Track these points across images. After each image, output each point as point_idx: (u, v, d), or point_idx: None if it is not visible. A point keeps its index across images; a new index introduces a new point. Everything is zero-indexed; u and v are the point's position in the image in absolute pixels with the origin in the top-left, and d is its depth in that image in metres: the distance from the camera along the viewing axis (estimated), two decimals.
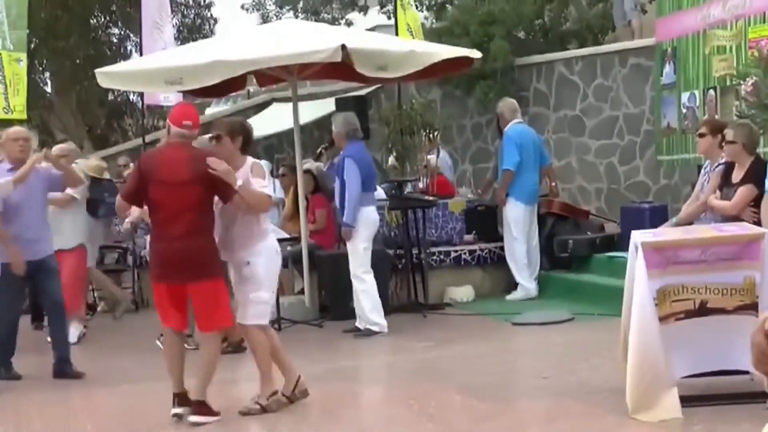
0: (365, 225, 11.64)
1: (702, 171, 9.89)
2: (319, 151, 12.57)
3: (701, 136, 9.62)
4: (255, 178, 8.03)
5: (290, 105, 13.61)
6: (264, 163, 16.30)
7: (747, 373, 7.20)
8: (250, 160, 8.22)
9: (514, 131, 13.49)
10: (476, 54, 13.19)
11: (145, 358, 10.75)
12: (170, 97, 16.60)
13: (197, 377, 8.00)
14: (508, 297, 13.37)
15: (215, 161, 7.82)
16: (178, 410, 8.01)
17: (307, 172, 13.46)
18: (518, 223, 13.35)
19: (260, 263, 8.09)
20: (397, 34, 15.68)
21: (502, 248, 13.75)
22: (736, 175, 8.82)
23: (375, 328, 11.55)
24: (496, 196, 13.60)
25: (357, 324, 11.68)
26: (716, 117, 11.76)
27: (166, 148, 8.14)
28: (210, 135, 8.38)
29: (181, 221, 7.79)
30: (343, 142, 11.86)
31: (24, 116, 18.77)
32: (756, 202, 8.68)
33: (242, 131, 8.24)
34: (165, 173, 7.82)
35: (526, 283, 13.38)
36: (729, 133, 8.87)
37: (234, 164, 7.96)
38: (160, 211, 7.90)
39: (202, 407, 7.96)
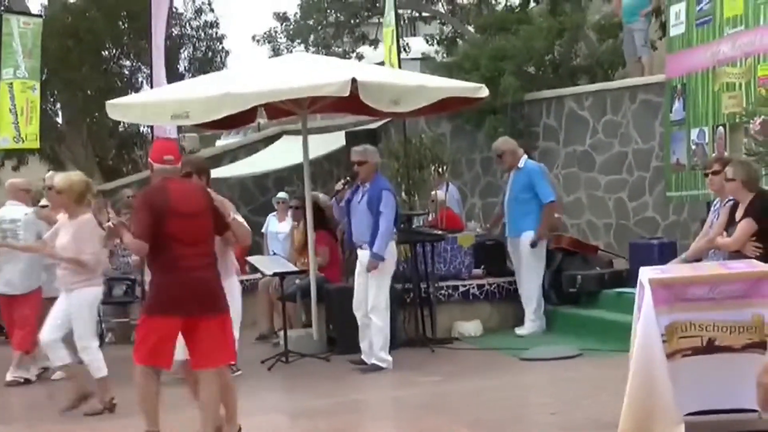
0: (393, 259, 11.84)
1: (711, 208, 9.90)
2: (343, 185, 12.44)
3: (715, 173, 9.63)
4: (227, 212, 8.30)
5: (300, 138, 13.64)
6: (282, 195, 16.50)
7: (755, 411, 7.18)
8: (218, 196, 8.47)
9: (537, 165, 13.70)
10: (484, 93, 13.19)
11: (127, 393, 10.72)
12: (172, 129, 16.66)
13: (204, 419, 7.79)
14: (520, 332, 13.30)
15: (213, 194, 8.01)
16: None
17: (315, 204, 13.50)
18: (541, 258, 13.38)
19: (235, 301, 8.43)
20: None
21: (510, 283, 13.73)
22: (739, 212, 8.86)
23: (383, 365, 11.54)
24: (540, 232, 13.25)
25: (363, 358, 11.65)
26: (725, 154, 11.77)
27: (167, 183, 7.89)
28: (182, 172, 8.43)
29: (198, 252, 7.73)
30: (373, 174, 11.87)
31: (36, 145, 18.86)
32: (759, 237, 8.70)
33: (207, 170, 8.73)
34: (181, 205, 7.73)
35: (539, 318, 13.37)
36: (729, 171, 8.94)
37: None
38: (177, 243, 7.69)
39: None
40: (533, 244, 13.21)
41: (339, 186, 12.57)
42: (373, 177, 11.84)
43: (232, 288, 8.41)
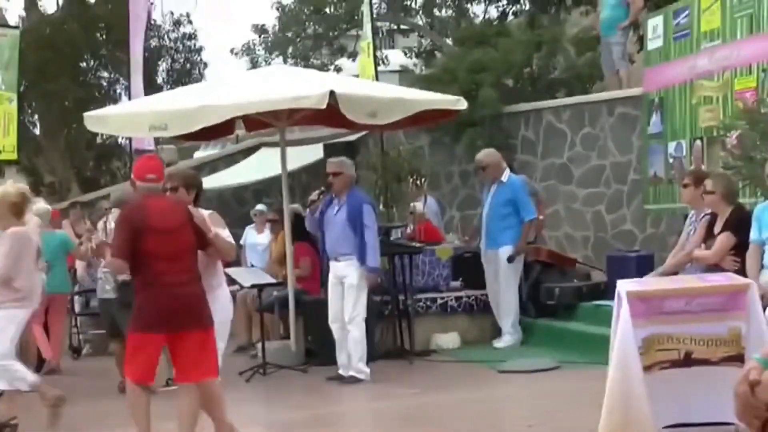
0: None
1: (687, 221, 9.93)
2: (318, 196, 12.48)
3: (685, 186, 9.71)
4: (216, 227, 8.30)
5: (278, 150, 13.64)
6: (260, 207, 16.49)
7: (732, 424, 7.19)
8: (204, 211, 8.47)
9: (520, 179, 13.73)
10: (462, 105, 13.22)
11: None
12: (150, 141, 16.66)
13: (179, 429, 7.85)
14: (498, 344, 13.28)
15: (193, 209, 8.04)
16: None
17: (297, 215, 13.50)
18: (518, 271, 13.39)
19: (222, 313, 8.36)
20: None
21: (488, 296, 13.71)
22: (718, 225, 8.89)
23: (361, 376, 11.53)
24: (518, 247, 13.27)
25: (341, 372, 11.64)
26: (703, 167, 11.81)
27: (147, 200, 7.90)
28: (167, 186, 8.45)
29: (179, 268, 7.75)
30: (348, 187, 11.86)
31: (14, 156, 18.77)
32: (737, 251, 8.73)
33: (196, 184, 8.66)
34: (159, 222, 7.74)
35: (516, 331, 13.35)
36: (708, 184, 8.96)
37: None
38: (156, 259, 7.71)
39: None
40: (510, 259, 13.22)
41: (314, 196, 12.60)
42: (349, 190, 11.84)
43: (222, 298, 8.44)
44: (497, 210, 13.34)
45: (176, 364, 7.90)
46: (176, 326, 7.70)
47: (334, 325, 11.74)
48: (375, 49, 16.57)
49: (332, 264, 11.85)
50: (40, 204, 14.38)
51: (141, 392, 7.82)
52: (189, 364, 7.80)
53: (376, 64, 16.42)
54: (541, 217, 14.75)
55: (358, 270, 11.56)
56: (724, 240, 8.75)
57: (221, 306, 8.35)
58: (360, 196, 11.90)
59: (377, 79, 16.06)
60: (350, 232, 11.61)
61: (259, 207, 16.69)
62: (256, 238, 16.04)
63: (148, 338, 7.73)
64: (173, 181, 8.53)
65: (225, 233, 8.40)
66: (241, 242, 16.59)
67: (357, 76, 17.54)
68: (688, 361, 7.18)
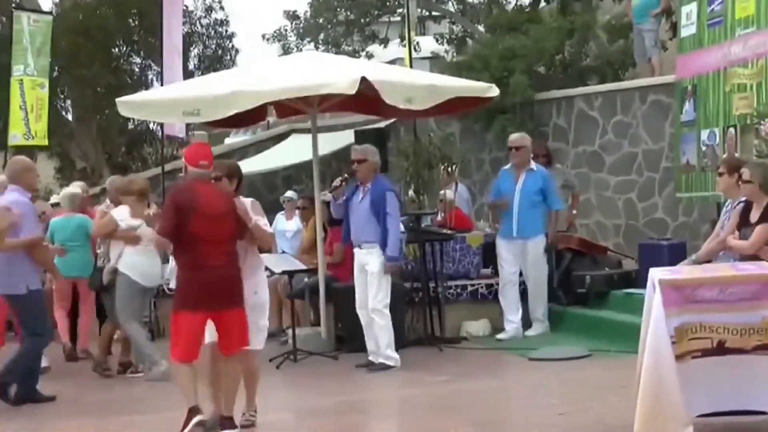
0: None
1: (723, 209, 9.86)
2: (340, 182, 12.49)
3: (720, 174, 9.62)
4: (257, 216, 8.63)
5: (309, 136, 13.64)
6: (290, 194, 16.51)
7: (765, 413, 7.16)
8: (246, 200, 8.78)
9: (547, 171, 13.55)
10: (494, 92, 13.17)
11: (156, 388, 10.76)
12: (181, 128, 16.73)
13: (226, 393, 8.44)
14: (529, 333, 13.16)
15: (237, 199, 8.48)
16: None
17: (327, 203, 13.48)
18: (547, 260, 13.31)
19: (264, 292, 8.76)
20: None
21: (500, 283, 13.53)
22: (754, 215, 8.80)
23: (391, 363, 11.52)
24: (553, 236, 13.31)
25: (370, 358, 11.64)
26: (736, 155, 11.73)
27: (196, 185, 8.41)
28: (212, 175, 8.70)
29: (221, 251, 8.31)
30: (372, 174, 11.83)
31: (45, 142, 18.91)
32: None
33: (238, 173, 8.91)
34: (206, 206, 8.27)
35: (545, 319, 13.28)
36: (746, 173, 8.86)
37: None
38: (201, 242, 8.24)
39: (231, 422, 8.42)
40: (548, 250, 13.17)
41: (336, 183, 12.57)
42: (373, 177, 11.81)
43: (262, 280, 8.85)
44: (529, 198, 13.17)
45: (221, 339, 8.41)
46: (217, 305, 8.25)
47: (361, 312, 11.74)
48: (410, 36, 16.51)
49: (356, 251, 11.87)
50: (67, 188, 14.49)
51: (187, 369, 8.28)
52: (230, 338, 8.37)
53: (411, 51, 16.37)
54: (574, 211, 14.65)
55: (380, 258, 11.56)
56: (762, 231, 8.65)
57: (262, 287, 8.78)
58: (383, 184, 11.87)
59: (411, 65, 16.04)
60: (373, 220, 11.61)
61: (289, 194, 16.68)
62: (285, 225, 16.04)
63: (191, 316, 8.24)
64: (218, 170, 8.74)
65: (263, 221, 8.70)
66: (271, 229, 16.60)
67: (391, 62, 17.52)
68: (720, 349, 7.14)
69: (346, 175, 12.66)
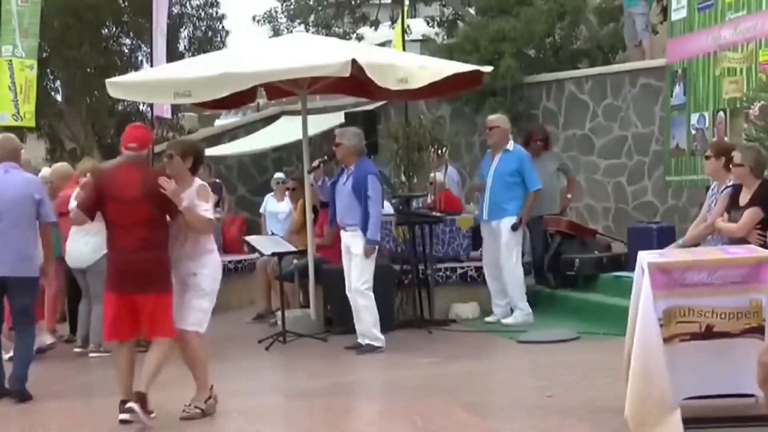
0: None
1: (709, 192, 9.88)
2: (318, 164, 12.49)
3: (707, 158, 9.62)
4: (199, 201, 8.52)
5: (299, 118, 13.63)
6: (279, 175, 16.51)
7: (752, 396, 7.19)
8: (197, 181, 8.68)
9: (524, 151, 13.36)
10: (487, 68, 13.17)
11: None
12: (168, 109, 16.73)
13: (144, 375, 8.33)
14: (506, 321, 12.93)
15: (165, 181, 8.34)
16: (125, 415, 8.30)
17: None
18: (519, 244, 13.03)
19: (205, 274, 8.57)
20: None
21: (484, 269, 13.39)
22: (743, 198, 8.82)
23: (377, 344, 11.52)
24: (524, 215, 12.88)
25: (359, 340, 11.66)
26: (725, 139, 11.76)
27: (119, 168, 8.74)
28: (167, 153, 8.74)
29: (134, 236, 8.36)
30: (354, 157, 11.82)
31: (32, 124, 18.84)
32: (763, 225, 8.68)
33: (194, 152, 8.75)
34: (117, 191, 8.40)
35: (526, 308, 12.96)
36: (737, 156, 8.87)
37: (183, 183, 8.49)
38: (114, 226, 8.46)
39: (143, 398, 8.25)
40: (514, 227, 12.85)
41: (315, 164, 12.55)
42: (356, 160, 11.78)
43: (207, 265, 8.61)
44: (502, 180, 12.92)
45: (142, 323, 8.43)
46: (131, 289, 8.32)
47: (349, 294, 11.75)
48: (404, 18, 16.49)
49: (342, 233, 11.88)
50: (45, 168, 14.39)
51: (118, 351, 8.51)
52: (146, 324, 8.40)
53: (404, 34, 16.35)
54: (569, 195, 14.59)
55: (362, 240, 11.57)
56: (752, 214, 8.68)
57: (207, 270, 8.58)
58: (366, 167, 11.80)
59: (404, 48, 16.02)
60: (356, 203, 11.60)
61: (278, 175, 16.69)
62: (276, 207, 16.06)
63: (109, 297, 8.46)
64: (170, 148, 8.79)
65: (204, 207, 8.51)
66: (261, 210, 16.62)
67: (382, 44, 17.49)
68: (708, 333, 7.16)
69: (325, 156, 12.69)
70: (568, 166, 14.86)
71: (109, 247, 8.55)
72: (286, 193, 15.66)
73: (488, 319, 13.16)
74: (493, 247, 13.08)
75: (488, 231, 13.12)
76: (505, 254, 12.92)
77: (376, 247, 11.69)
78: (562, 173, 14.51)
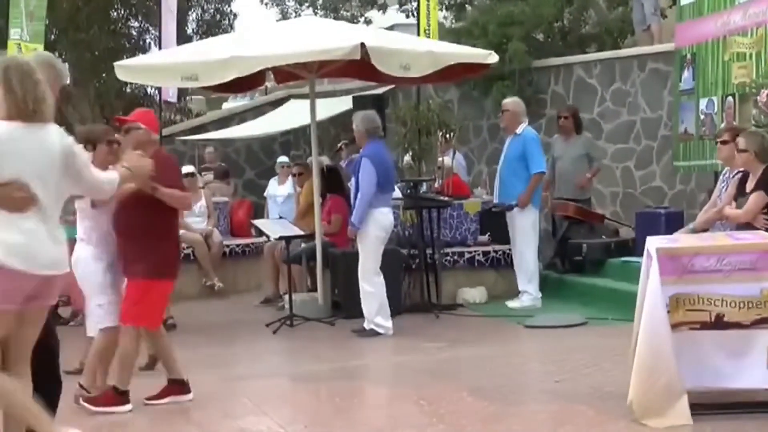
0: (378, 227, 11.55)
1: (720, 177, 9.86)
2: (339, 147, 12.57)
3: (724, 143, 9.56)
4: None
5: (307, 102, 13.63)
6: (281, 160, 16.51)
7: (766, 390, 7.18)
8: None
9: (533, 133, 13.32)
10: (493, 59, 13.13)
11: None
12: (174, 92, 16.78)
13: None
14: (511, 304, 13.04)
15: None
16: None
17: (330, 169, 13.47)
18: (534, 229, 13.08)
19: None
20: (418, 33, 15.70)
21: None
22: (750, 184, 8.80)
23: (379, 330, 11.50)
24: (523, 198, 12.86)
25: (365, 325, 11.65)
26: (734, 124, 11.72)
27: None
28: None
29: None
30: (364, 140, 11.81)
31: None
32: None
33: (96, 139, 9.44)
34: None
35: (535, 292, 13.06)
36: (741, 142, 8.84)
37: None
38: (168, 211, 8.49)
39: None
40: (509, 208, 12.93)
41: (338, 147, 12.62)
42: (367, 143, 11.80)
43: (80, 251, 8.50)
44: (510, 164, 13.03)
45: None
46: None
47: (360, 280, 11.75)
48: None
49: None
50: None
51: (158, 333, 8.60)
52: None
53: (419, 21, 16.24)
54: (588, 175, 14.37)
55: (367, 226, 11.55)
56: (756, 199, 8.67)
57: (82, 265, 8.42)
58: (368, 150, 11.71)
59: (429, 34, 15.94)
60: (356, 185, 11.63)
61: (282, 159, 16.71)
62: (276, 190, 16.08)
63: (164, 285, 8.47)
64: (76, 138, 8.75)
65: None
66: (265, 194, 16.65)
67: (390, 28, 17.41)
68: (719, 323, 7.14)
69: (346, 140, 12.72)
70: (594, 155, 14.57)
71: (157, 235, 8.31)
72: (290, 177, 15.66)
73: (511, 304, 13.08)
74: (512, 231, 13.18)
75: (508, 217, 13.20)
76: (520, 238, 13.04)
77: (355, 230, 11.54)
78: (588, 159, 14.32)
